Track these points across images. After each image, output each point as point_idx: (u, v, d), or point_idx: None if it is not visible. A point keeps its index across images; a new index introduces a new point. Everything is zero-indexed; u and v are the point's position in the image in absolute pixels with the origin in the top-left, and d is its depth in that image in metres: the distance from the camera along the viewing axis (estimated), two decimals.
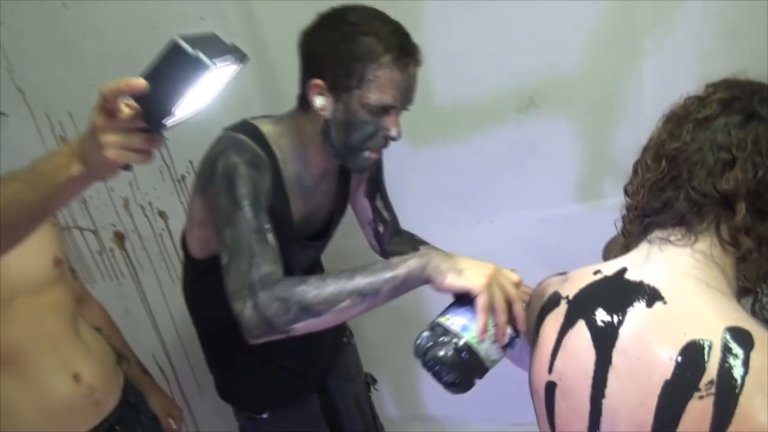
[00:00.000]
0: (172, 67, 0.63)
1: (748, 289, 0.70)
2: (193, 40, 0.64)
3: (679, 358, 0.61)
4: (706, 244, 0.68)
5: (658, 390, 0.61)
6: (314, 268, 1.34)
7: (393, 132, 1.10)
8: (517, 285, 0.83)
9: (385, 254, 1.38)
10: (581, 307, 0.72)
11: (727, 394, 0.57)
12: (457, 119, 1.63)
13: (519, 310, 0.81)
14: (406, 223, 1.91)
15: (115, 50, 1.54)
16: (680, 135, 0.70)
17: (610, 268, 0.73)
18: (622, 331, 0.67)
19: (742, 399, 0.56)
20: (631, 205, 0.76)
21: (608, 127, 1.59)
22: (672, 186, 0.70)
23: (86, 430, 1.17)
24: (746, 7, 1.39)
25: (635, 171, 0.76)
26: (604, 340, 0.68)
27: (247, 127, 1.10)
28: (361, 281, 0.85)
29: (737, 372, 0.58)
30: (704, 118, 0.69)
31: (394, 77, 1.05)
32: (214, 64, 0.64)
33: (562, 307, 0.74)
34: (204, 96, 0.72)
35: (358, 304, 0.86)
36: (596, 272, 0.74)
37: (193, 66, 0.63)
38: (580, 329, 0.71)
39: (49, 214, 0.79)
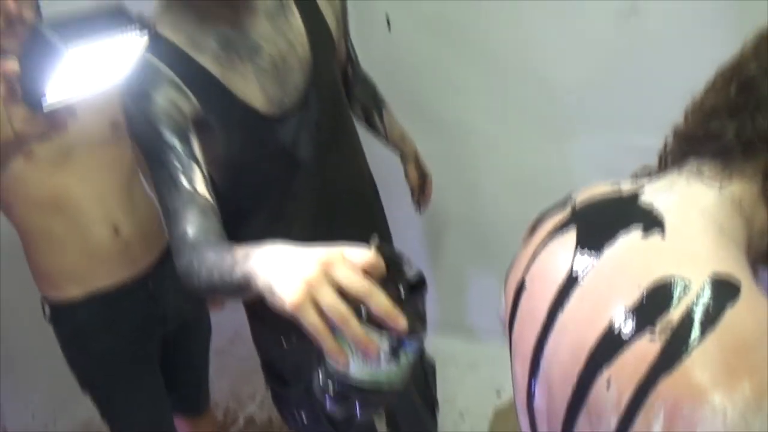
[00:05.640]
0: (33, 51, 0.67)
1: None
2: (65, 21, 0.66)
3: (646, 290, 0.53)
4: (740, 188, 0.58)
5: (611, 314, 0.54)
6: (335, 140, 1.10)
7: None
8: (371, 267, 0.53)
9: (352, 100, 1.28)
10: (581, 214, 0.66)
11: (680, 342, 0.49)
12: (544, 18, 1.48)
13: (378, 304, 0.51)
14: (477, 130, 1.81)
15: None
16: (766, 58, 0.58)
17: (629, 185, 0.65)
18: (607, 251, 0.59)
19: (695, 353, 0.48)
20: (678, 129, 0.65)
21: (727, 45, 1.37)
22: (729, 114, 0.59)
23: (118, 279, 1.32)
24: None
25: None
26: (585, 254, 0.60)
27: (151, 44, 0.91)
28: (219, 284, 0.74)
29: (703, 323, 0.49)
30: None
31: None
32: (67, 47, 0.65)
33: (566, 209, 0.68)
34: (110, 70, 0.77)
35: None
36: (614, 185, 0.67)
37: (50, 50, 0.64)
38: (569, 234, 0.64)
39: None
